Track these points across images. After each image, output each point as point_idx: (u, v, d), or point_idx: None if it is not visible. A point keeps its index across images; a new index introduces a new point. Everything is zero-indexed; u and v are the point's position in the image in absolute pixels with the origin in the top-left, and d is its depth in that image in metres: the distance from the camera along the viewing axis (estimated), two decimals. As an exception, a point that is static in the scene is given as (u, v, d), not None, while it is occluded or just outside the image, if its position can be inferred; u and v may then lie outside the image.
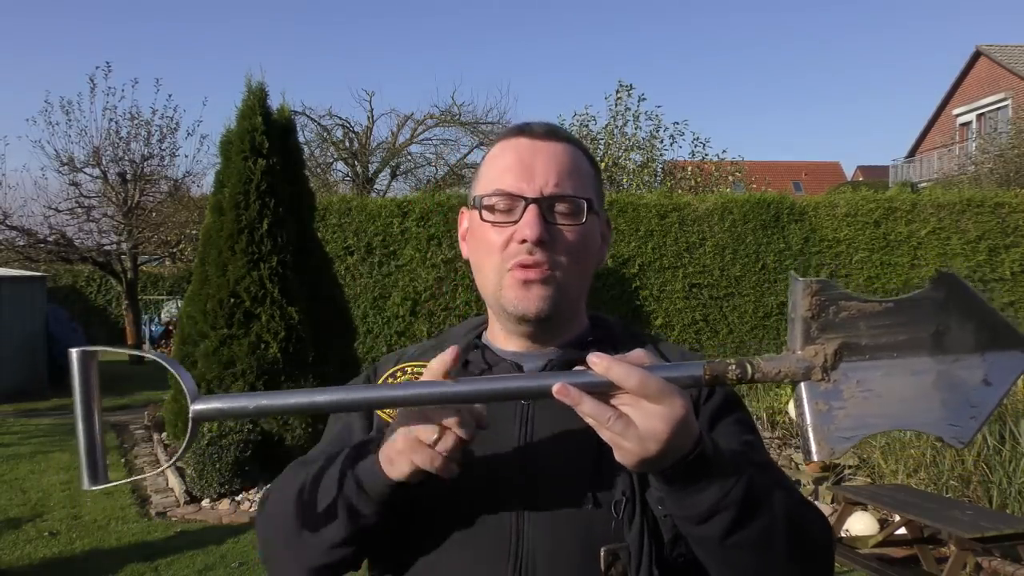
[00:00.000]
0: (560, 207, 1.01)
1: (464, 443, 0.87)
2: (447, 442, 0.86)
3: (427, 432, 0.87)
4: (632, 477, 0.95)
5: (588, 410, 0.81)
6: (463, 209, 1.13)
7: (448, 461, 0.87)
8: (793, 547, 0.88)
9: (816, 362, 0.84)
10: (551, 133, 1.06)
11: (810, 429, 0.82)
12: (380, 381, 1.11)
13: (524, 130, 1.06)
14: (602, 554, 0.93)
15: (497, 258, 1.02)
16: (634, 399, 0.80)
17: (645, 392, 0.79)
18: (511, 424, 1.02)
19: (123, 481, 1.02)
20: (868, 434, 0.84)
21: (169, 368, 0.89)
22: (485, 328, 1.14)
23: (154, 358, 0.93)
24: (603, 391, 0.82)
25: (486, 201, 1.02)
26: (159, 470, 0.96)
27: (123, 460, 7.47)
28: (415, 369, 1.10)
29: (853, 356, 0.84)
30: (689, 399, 0.82)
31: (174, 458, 0.95)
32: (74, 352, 0.86)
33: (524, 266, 1.00)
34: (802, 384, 0.84)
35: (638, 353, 0.84)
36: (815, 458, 0.83)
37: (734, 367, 0.83)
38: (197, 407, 0.86)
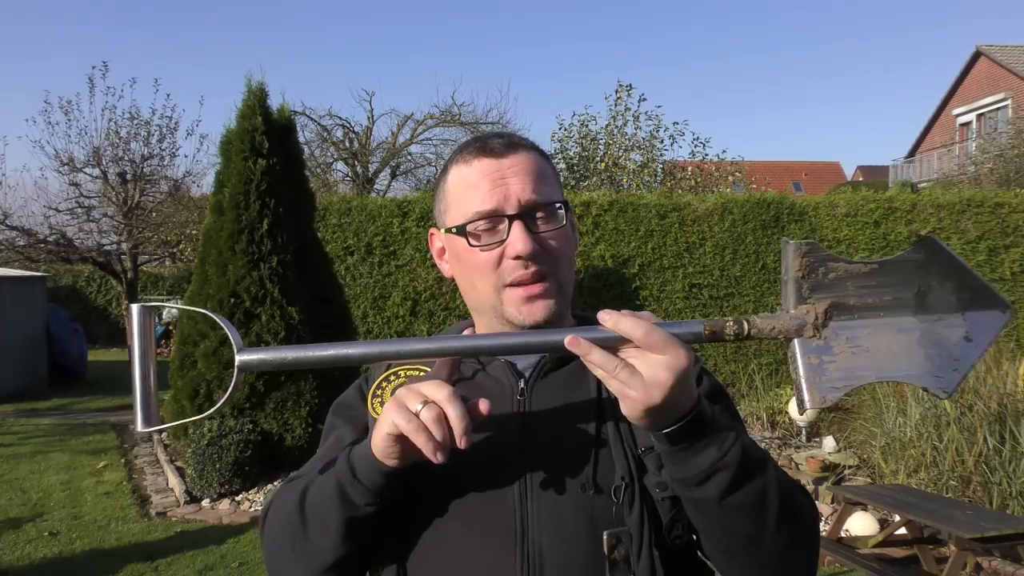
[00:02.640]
0: (540, 216, 1.05)
1: (447, 421, 0.88)
2: (430, 411, 0.88)
3: (414, 399, 0.90)
4: (630, 463, 1.00)
5: (596, 360, 0.86)
6: (432, 230, 1.16)
7: (425, 430, 0.88)
8: (784, 516, 0.93)
9: (808, 319, 0.90)
10: (510, 146, 1.08)
11: (803, 380, 0.89)
12: (373, 386, 1.12)
13: (484, 150, 1.07)
14: (605, 537, 0.96)
15: (492, 277, 1.05)
16: (640, 351, 0.86)
17: (650, 342, 0.85)
18: (510, 414, 1.05)
19: (171, 425, 1.06)
20: (857, 385, 0.89)
21: (216, 319, 0.99)
22: (473, 330, 1.16)
23: (205, 312, 1.05)
24: (611, 346, 0.87)
25: (469, 228, 1.05)
26: (210, 412, 1.01)
27: (123, 460, 7.48)
28: (407, 372, 1.12)
29: (842, 315, 0.90)
30: (692, 354, 0.87)
31: (218, 404, 0.99)
32: (135, 307, 0.96)
33: (524, 283, 1.04)
34: (795, 340, 0.90)
35: (645, 313, 0.90)
36: (808, 406, 0.88)
37: (732, 324, 0.89)
38: (243, 357, 0.95)
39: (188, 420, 1.04)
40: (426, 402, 0.89)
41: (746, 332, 0.89)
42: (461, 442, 0.88)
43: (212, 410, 1.01)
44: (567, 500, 0.99)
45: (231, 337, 0.94)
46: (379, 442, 0.92)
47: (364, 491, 0.95)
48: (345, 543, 0.97)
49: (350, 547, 0.98)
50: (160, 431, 1.01)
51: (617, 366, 0.85)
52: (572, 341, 0.87)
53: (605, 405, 1.04)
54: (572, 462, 1.01)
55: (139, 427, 0.95)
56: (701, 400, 0.89)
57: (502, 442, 1.03)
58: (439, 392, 0.89)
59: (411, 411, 0.89)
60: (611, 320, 0.87)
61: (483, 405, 0.92)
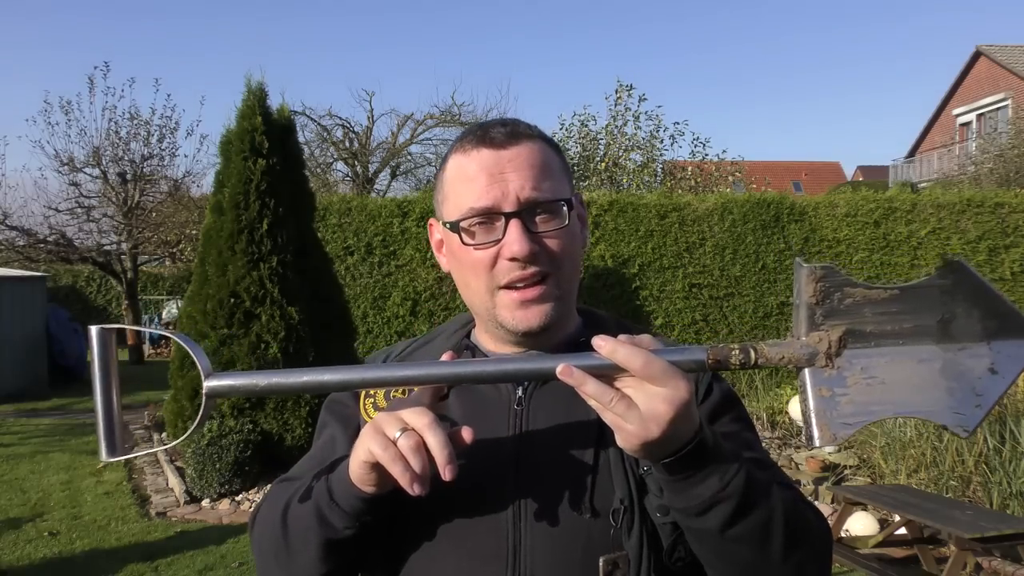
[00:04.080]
0: (541, 215, 0.97)
1: (426, 448, 0.82)
2: (408, 439, 0.82)
3: (392, 425, 0.84)
4: (630, 485, 0.94)
5: (591, 391, 0.80)
6: (432, 220, 1.10)
7: (402, 460, 0.82)
8: (791, 543, 0.87)
9: (820, 348, 0.83)
10: (512, 136, 1.00)
11: (813, 414, 0.82)
12: None
13: (484, 139, 1.00)
14: (601, 563, 0.92)
15: (485, 277, 0.99)
16: (638, 381, 0.79)
17: (649, 373, 0.78)
18: (506, 434, 1.00)
19: (137, 454, 1.00)
20: (871, 420, 0.83)
21: (183, 344, 0.91)
22: (474, 326, 1.12)
23: (170, 335, 0.95)
24: (607, 373, 0.81)
25: (464, 224, 0.98)
26: (173, 443, 0.96)
27: (123, 460, 7.48)
28: None
29: (857, 343, 0.83)
30: (693, 383, 0.81)
31: (188, 432, 0.94)
32: (94, 329, 0.88)
33: (519, 287, 0.98)
34: (806, 370, 0.83)
35: (645, 337, 0.83)
36: (817, 443, 0.82)
37: (738, 352, 0.83)
38: (211, 383, 0.87)
39: (158, 449, 0.99)
40: (405, 429, 0.83)
41: (753, 361, 0.82)
42: (445, 473, 0.82)
43: (179, 440, 0.95)
44: (562, 523, 0.94)
45: (198, 362, 0.87)
46: (356, 469, 0.87)
47: (342, 515, 0.90)
48: (325, 562, 0.94)
49: (332, 566, 0.95)
50: (126, 459, 0.92)
51: (613, 398, 0.79)
52: (565, 371, 0.80)
53: None
54: (569, 482, 0.96)
55: (103, 456, 0.89)
56: (703, 428, 0.83)
57: (496, 457, 0.97)
58: (420, 419, 0.83)
59: (388, 438, 0.83)
60: (607, 347, 0.80)
61: (467, 433, 0.86)
